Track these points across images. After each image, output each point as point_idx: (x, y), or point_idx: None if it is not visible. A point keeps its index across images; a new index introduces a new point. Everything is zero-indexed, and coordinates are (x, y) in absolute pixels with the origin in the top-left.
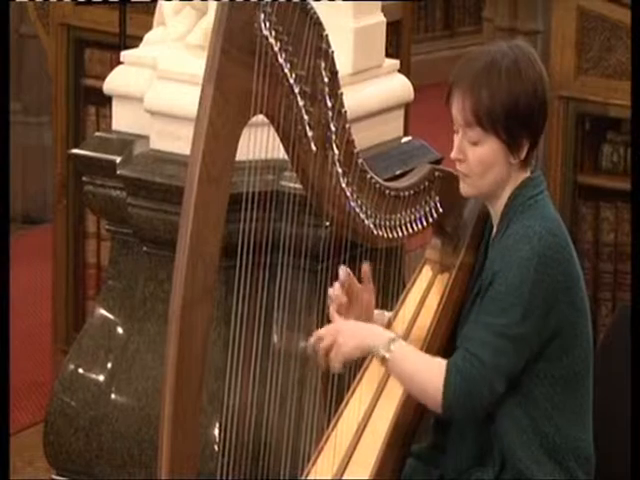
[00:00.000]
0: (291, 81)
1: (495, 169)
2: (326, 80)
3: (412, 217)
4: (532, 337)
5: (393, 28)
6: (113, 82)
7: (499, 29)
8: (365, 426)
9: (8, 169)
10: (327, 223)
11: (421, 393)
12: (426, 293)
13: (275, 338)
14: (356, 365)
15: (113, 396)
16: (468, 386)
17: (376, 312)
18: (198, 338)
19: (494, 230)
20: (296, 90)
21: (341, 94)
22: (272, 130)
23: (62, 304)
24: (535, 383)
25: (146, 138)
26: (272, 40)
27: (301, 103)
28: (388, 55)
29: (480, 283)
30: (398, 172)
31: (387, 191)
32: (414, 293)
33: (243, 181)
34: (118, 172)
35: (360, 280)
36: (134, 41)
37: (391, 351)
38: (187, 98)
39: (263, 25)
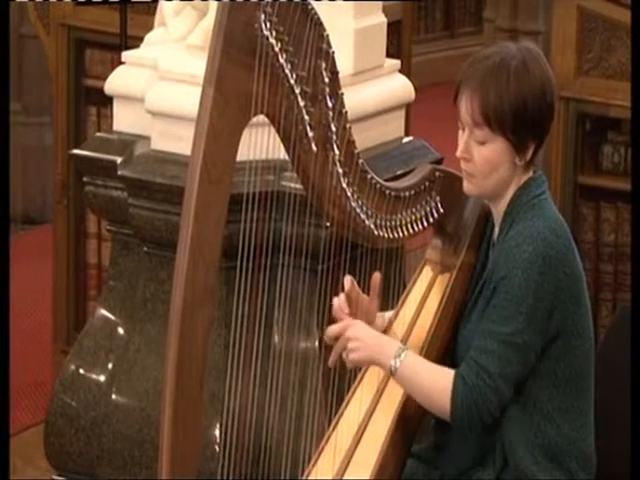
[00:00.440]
0: (292, 81)
1: (500, 169)
2: (327, 80)
3: (413, 217)
4: (537, 341)
5: (394, 28)
6: (114, 82)
7: (500, 30)
8: (365, 427)
9: (8, 169)
10: (328, 223)
11: (429, 404)
12: (427, 293)
13: (276, 339)
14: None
15: (114, 396)
16: (475, 397)
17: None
18: (199, 339)
19: (496, 230)
20: (297, 90)
21: (342, 94)
22: (273, 130)
23: (63, 304)
24: (538, 384)
25: (147, 138)
26: (273, 41)
27: (302, 103)
28: (389, 55)
29: (482, 283)
30: (399, 172)
31: (388, 191)
32: (415, 293)
33: (244, 181)
34: (119, 172)
35: (363, 286)
36: (135, 41)
37: (399, 362)
38: (188, 98)
39: (264, 26)
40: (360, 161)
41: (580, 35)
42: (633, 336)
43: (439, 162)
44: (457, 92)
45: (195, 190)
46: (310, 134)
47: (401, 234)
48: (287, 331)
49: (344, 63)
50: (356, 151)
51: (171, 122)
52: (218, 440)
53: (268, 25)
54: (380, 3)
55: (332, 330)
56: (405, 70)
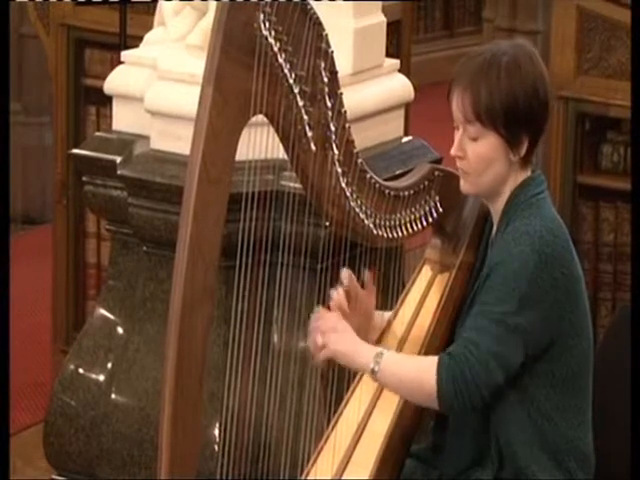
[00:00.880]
0: (291, 81)
1: (495, 166)
2: (326, 80)
3: (412, 217)
4: (530, 332)
5: (393, 28)
6: (113, 82)
7: (499, 29)
8: (365, 426)
9: (8, 169)
10: (327, 223)
11: (417, 392)
12: (426, 293)
13: (275, 337)
14: None
15: (113, 396)
16: (462, 368)
17: (375, 313)
18: (198, 338)
19: (494, 229)
20: (296, 90)
21: (341, 94)
22: (272, 130)
23: (62, 304)
24: (535, 383)
25: (146, 138)
26: (272, 40)
27: (301, 103)
28: (388, 55)
29: (479, 282)
30: (398, 172)
31: (387, 191)
32: (414, 293)
33: (243, 181)
34: (118, 172)
35: (362, 284)
36: (134, 41)
37: (378, 363)
38: (187, 98)
39: (263, 25)
40: (359, 161)
41: (579, 35)
42: (633, 336)
43: (438, 162)
44: (449, 90)
45: (194, 189)
46: (309, 134)
47: (400, 233)
48: (286, 330)
49: (343, 63)
50: (355, 151)
51: (170, 122)
52: (217, 439)
53: (267, 25)
54: (379, 3)
55: (318, 320)
56: (404, 70)
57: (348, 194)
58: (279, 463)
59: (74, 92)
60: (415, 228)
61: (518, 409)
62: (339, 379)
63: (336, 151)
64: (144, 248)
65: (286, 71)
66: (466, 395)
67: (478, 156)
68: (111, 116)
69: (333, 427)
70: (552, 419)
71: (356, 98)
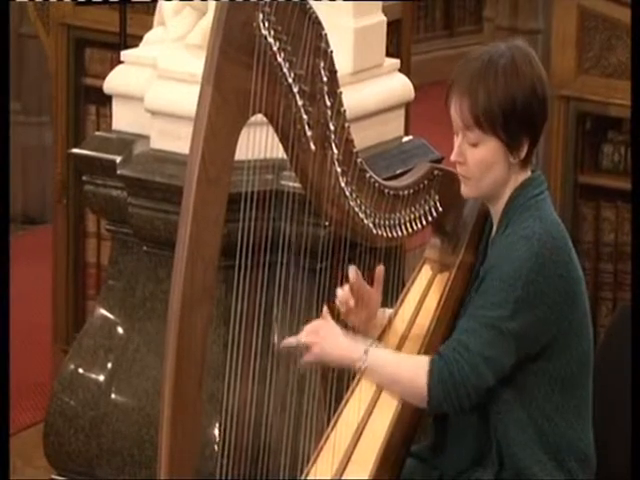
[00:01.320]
0: (290, 80)
1: (495, 170)
2: (325, 79)
3: (411, 216)
4: (523, 335)
5: (393, 27)
6: (113, 81)
7: (499, 28)
8: (365, 426)
9: (8, 169)
10: (326, 222)
11: (406, 390)
12: (426, 292)
13: (275, 337)
14: None
15: (113, 396)
16: (452, 370)
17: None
18: (197, 338)
19: (494, 229)
20: (295, 89)
21: (340, 93)
22: (271, 129)
23: (62, 304)
24: (535, 383)
25: (146, 138)
26: (271, 40)
27: (300, 102)
28: (388, 54)
29: (478, 282)
30: (398, 172)
31: (386, 190)
32: (414, 293)
33: (242, 180)
34: (118, 172)
35: (368, 280)
36: (134, 41)
37: (366, 360)
38: (187, 98)
39: (262, 25)
40: (359, 160)
41: (580, 34)
42: (633, 336)
43: (439, 161)
44: (447, 95)
45: (193, 189)
46: (308, 133)
47: (400, 233)
48: (286, 330)
49: (343, 62)
50: (355, 150)
51: (170, 121)
52: (217, 439)
53: (266, 24)
54: (379, 2)
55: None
56: (405, 69)
57: (347, 193)
58: (279, 463)
59: (74, 92)
60: (415, 227)
61: (518, 409)
62: (339, 379)
63: (335, 150)
64: (144, 248)
65: (285, 70)
66: (454, 397)
67: (478, 161)
68: (111, 116)
69: (333, 427)
70: (552, 419)
71: (356, 97)
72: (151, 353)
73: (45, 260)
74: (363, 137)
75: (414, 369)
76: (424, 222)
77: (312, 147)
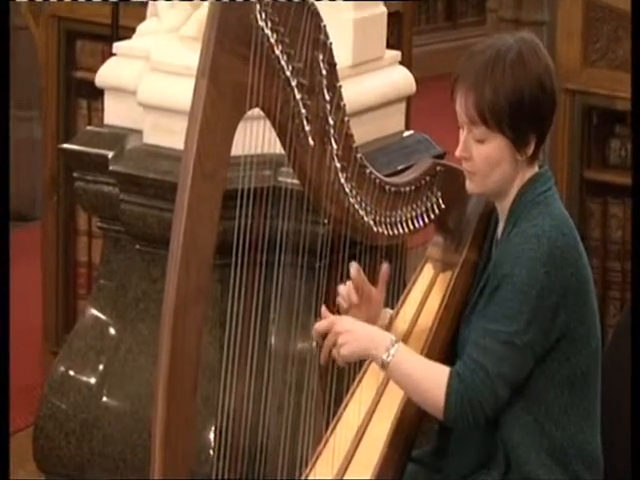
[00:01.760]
0: (288, 73)
1: (502, 167)
2: (324, 72)
3: (413, 213)
4: (538, 342)
5: (394, 19)
6: (105, 74)
7: (503, 20)
8: (365, 429)
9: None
10: (325, 220)
11: (422, 400)
12: (428, 292)
13: (272, 339)
14: (355, 366)
15: (105, 399)
16: (470, 395)
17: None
18: (192, 339)
19: (500, 227)
20: (293, 83)
21: (339, 87)
22: (268, 124)
23: (52, 304)
24: (542, 384)
25: (139, 132)
26: (268, 31)
27: (298, 96)
28: (389, 47)
29: (484, 283)
30: (400, 167)
31: (387, 186)
32: (415, 292)
33: (238, 177)
34: (110, 167)
35: (370, 280)
36: (127, 32)
37: (391, 355)
38: (181, 91)
39: (259, 16)
40: (359, 155)
41: (586, 25)
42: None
43: (441, 157)
44: (453, 89)
45: (188, 185)
46: (307, 128)
47: (401, 231)
48: (284, 331)
49: (343, 54)
50: (354, 145)
51: (164, 115)
52: (212, 443)
53: (264, 15)
54: None
55: (320, 325)
56: (406, 62)
57: (347, 190)
58: (276, 468)
59: (64, 85)
60: (417, 225)
61: (525, 413)
62: (338, 381)
63: (335, 146)
64: (136, 246)
65: (283, 63)
66: (471, 417)
67: (484, 158)
68: (102, 110)
69: (332, 430)
70: (559, 422)
71: (356, 91)
72: (144, 355)
73: (34, 258)
74: (363, 132)
75: (430, 382)
76: (426, 219)
77: (311, 142)
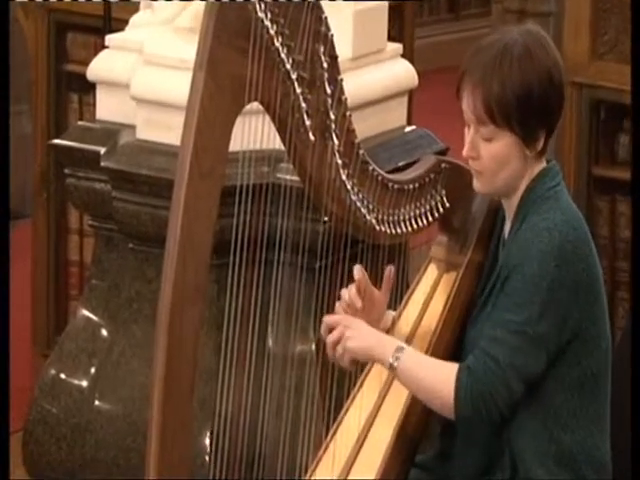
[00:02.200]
0: (288, 66)
1: (511, 164)
2: (325, 65)
3: (417, 212)
4: (551, 336)
5: (395, 10)
6: (97, 68)
7: (508, 11)
8: (366, 435)
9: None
10: (326, 218)
11: (432, 399)
12: (431, 293)
13: (270, 341)
14: (356, 370)
15: (97, 403)
16: (481, 386)
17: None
18: (188, 341)
19: (507, 226)
20: (293, 76)
21: (341, 80)
22: (267, 119)
23: (42, 305)
24: (554, 389)
25: (132, 127)
26: (268, 23)
27: (298, 90)
28: (390, 39)
29: (491, 284)
30: (402, 163)
31: (390, 184)
32: (419, 293)
33: (237, 173)
34: (102, 164)
35: (372, 278)
36: (119, 24)
37: (399, 359)
38: (176, 85)
39: (258, 7)
40: (361, 151)
41: (594, 16)
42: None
43: (444, 152)
44: (459, 87)
45: (185, 182)
46: (307, 122)
47: (404, 229)
48: (282, 333)
49: (343, 47)
50: (356, 141)
51: (158, 110)
52: (209, 448)
53: (263, 7)
54: None
55: (330, 319)
56: (408, 55)
57: (349, 187)
58: (275, 474)
59: (55, 78)
60: (420, 224)
61: (532, 416)
62: (338, 385)
63: (336, 141)
64: (130, 245)
65: (283, 56)
66: (484, 412)
67: (493, 156)
68: (94, 104)
69: (332, 436)
70: (568, 426)
71: (357, 84)
72: (137, 357)
73: (24, 257)
74: (363, 127)
75: (439, 379)
76: (430, 218)
77: (311, 137)
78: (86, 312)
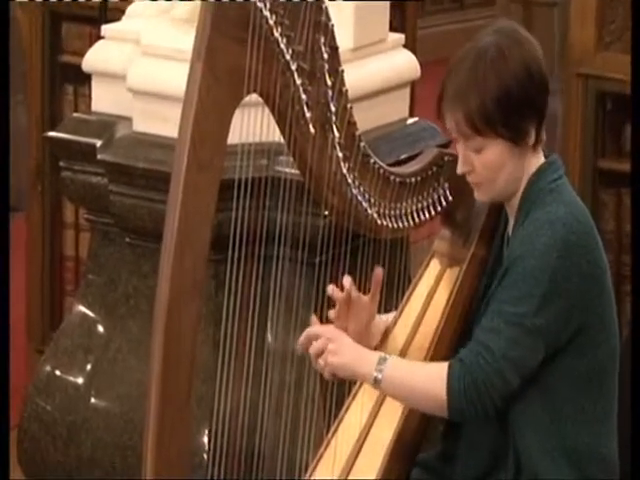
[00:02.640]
0: (287, 57)
1: (506, 168)
2: (325, 56)
3: (419, 205)
4: (550, 330)
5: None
6: (92, 59)
7: (513, 1)
8: (367, 433)
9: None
10: (326, 212)
11: (426, 400)
12: (434, 289)
13: (269, 337)
14: None
15: (93, 400)
16: (474, 378)
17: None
18: (186, 337)
19: (511, 223)
20: (293, 67)
21: (342, 71)
22: (267, 111)
23: (37, 300)
24: (560, 383)
25: (128, 119)
26: (267, 13)
27: (298, 81)
28: (392, 29)
29: (496, 282)
30: (403, 156)
31: (392, 177)
32: (421, 289)
33: (235, 166)
34: (98, 156)
35: (365, 280)
36: (115, 14)
37: (382, 371)
38: (173, 76)
39: None
40: (362, 144)
41: (601, 5)
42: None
43: (446, 145)
44: (438, 108)
45: (182, 175)
46: (307, 114)
47: (406, 223)
48: (282, 329)
49: (344, 37)
50: (357, 133)
51: (155, 101)
52: (207, 447)
53: None
54: None
55: (312, 330)
56: (410, 45)
57: (350, 181)
58: (274, 473)
59: (50, 70)
60: (422, 218)
61: (539, 413)
62: (339, 382)
63: (337, 133)
64: (126, 239)
65: (283, 46)
66: (479, 406)
67: (487, 166)
68: (90, 96)
69: (333, 434)
70: (574, 424)
71: (358, 76)
72: (134, 354)
73: (18, 252)
74: (364, 119)
75: (428, 378)
76: (432, 212)
77: (311, 130)
78: (82, 308)
